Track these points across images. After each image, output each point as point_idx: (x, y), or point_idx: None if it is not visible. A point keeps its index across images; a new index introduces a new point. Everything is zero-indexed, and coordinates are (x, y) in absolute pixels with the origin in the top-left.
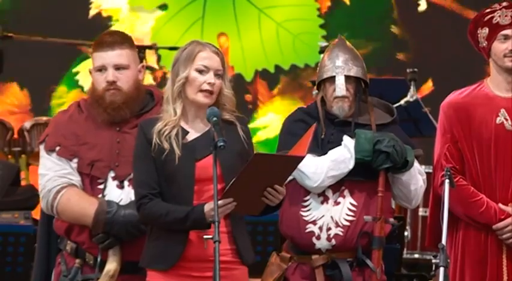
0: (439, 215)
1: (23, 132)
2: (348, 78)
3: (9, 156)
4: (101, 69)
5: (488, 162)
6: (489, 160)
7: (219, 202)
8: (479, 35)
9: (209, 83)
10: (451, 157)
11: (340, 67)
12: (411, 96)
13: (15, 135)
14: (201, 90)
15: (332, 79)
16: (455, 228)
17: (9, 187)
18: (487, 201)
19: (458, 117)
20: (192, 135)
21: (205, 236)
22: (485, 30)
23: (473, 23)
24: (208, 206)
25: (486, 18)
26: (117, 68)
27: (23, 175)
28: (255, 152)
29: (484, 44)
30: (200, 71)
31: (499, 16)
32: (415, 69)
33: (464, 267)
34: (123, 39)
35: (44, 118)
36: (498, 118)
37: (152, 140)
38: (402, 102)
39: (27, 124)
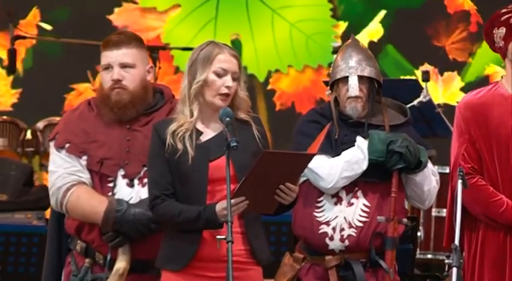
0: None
1: (36, 132)
2: (361, 78)
3: (23, 156)
4: (107, 67)
5: (507, 162)
6: (507, 159)
7: (231, 201)
8: (495, 35)
9: (227, 87)
10: (469, 157)
11: (353, 67)
12: (424, 96)
13: (29, 136)
14: (219, 94)
15: (345, 79)
16: (474, 229)
17: (22, 187)
18: (507, 201)
19: (475, 118)
20: (206, 136)
21: (218, 237)
22: (502, 30)
23: (490, 22)
24: (219, 206)
25: (503, 18)
26: (123, 66)
27: (35, 175)
28: (264, 150)
29: (501, 44)
30: (218, 74)
31: None
32: (428, 70)
33: (483, 267)
34: (130, 39)
35: (57, 118)
36: None
37: (166, 140)
38: (415, 102)
39: (40, 124)
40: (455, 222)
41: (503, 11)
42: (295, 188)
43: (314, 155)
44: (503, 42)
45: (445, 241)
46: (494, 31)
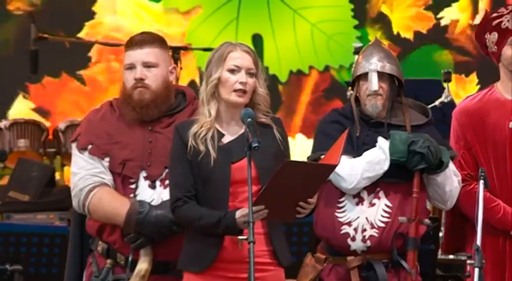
0: (454, 221)
1: (58, 133)
2: (381, 75)
3: (44, 157)
4: (130, 67)
5: (504, 167)
6: (504, 164)
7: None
8: (487, 40)
9: (241, 83)
10: (466, 164)
11: (374, 63)
12: (446, 97)
13: (50, 137)
14: (234, 90)
15: (366, 76)
16: (474, 233)
17: (44, 188)
18: (504, 207)
19: (471, 123)
20: (227, 138)
21: (240, 237)
22: (494, 35)
23: (480, 27)
24: (239, 213)
25: (494, 23)
26: (146, 65)
27: (57, 175)
28: (285, 159)
29: (494, 49)
30: (232, 71)
31: (508, 21)
32: (449, 70)
33: (484, 271)
34: (153, 39)
35: (79, 119)
36: (511, 123)
37: (188, 142)
38: (437, 103)
39: (62, 125)
40: (476, 223)
41: (494, 15)
42: (313, 202)
43: (335, 166)
44: (495, 47)
45: (443, 246)
46: (486, 36)
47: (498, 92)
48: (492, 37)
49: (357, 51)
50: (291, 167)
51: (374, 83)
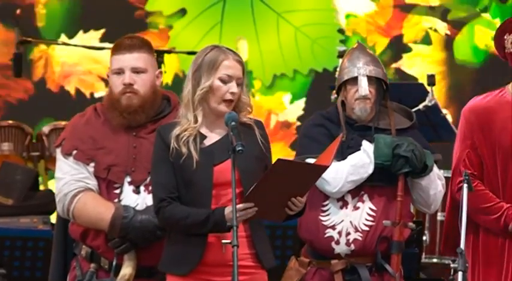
0: (455, 221)
1: (42, 137)
2: (369, 79)
3: (28, 161)
4: (119, 72)
5: (508, 168)
6: (509, 166)
7: (240, 205)
8: (506, 41)
9: (231, 93)
10: (470, 164)
11: (362, 68)
12: (429, 100)
13: (34, 140)
14: (224, 100)
15: (353, 80)
16: (474, 233)
17: (28, 191)
18: (504, 206)
19: (479, 123)
20: (210, 140)
21: (223, 241)
22: None
23: (501, 28)
24: (228, 209)
25: None
26: (135, 71)
27: (41, 179)
28: (277, 157)
29: (511, 50)
30: (223, 81)
31: None
32: (434, 74)
33: (481, 271)
34: (142, 43)
35: (63, 123)
36: None
37: (170, 144)
38: (420, 106)
39: (46, 129)
40: (460, 226)
41: None
42: (303, 201)
43: (327, 167)
44: None
45: (442, 247)
46: (505, 37)
47: (509, 93)
48: (511, 38)
49: (340, 55)
50: (284, 165)
51: (364, 87)
